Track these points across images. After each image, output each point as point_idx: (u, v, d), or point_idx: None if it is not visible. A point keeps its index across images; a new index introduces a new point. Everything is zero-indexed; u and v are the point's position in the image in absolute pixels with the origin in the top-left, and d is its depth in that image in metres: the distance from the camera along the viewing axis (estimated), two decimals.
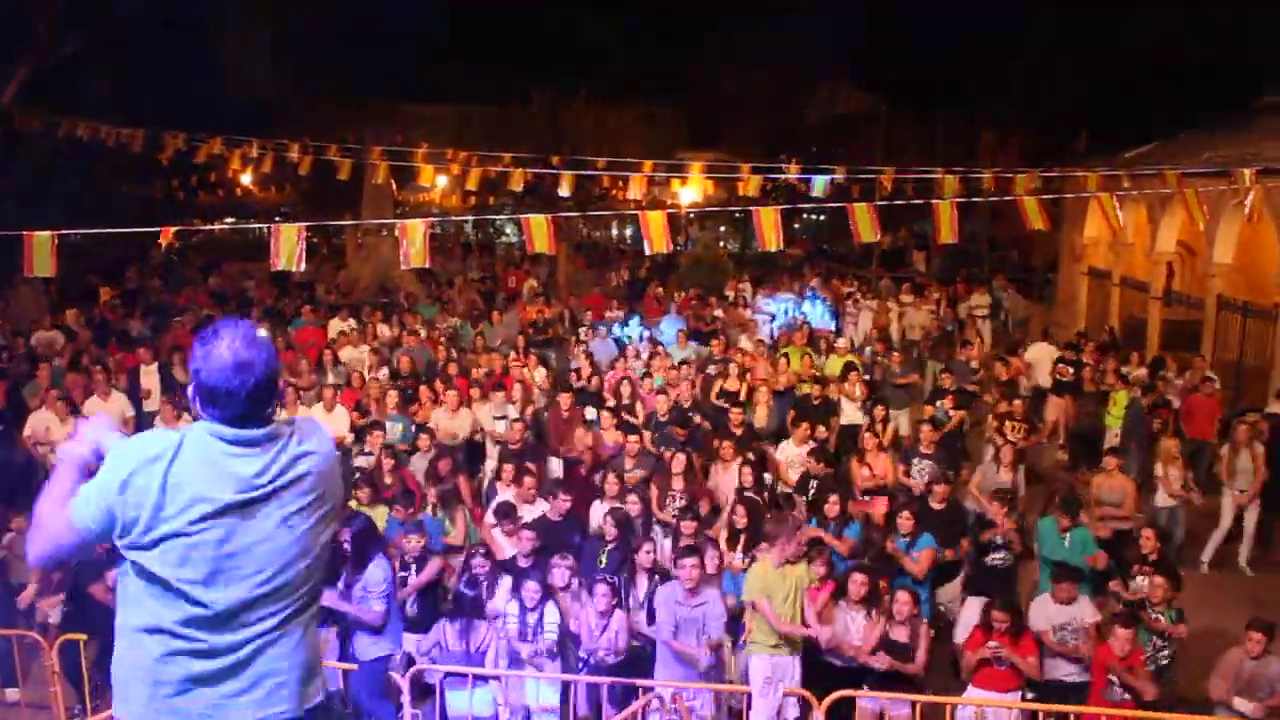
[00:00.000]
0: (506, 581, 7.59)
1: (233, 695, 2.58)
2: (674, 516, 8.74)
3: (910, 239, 37.45)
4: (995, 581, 8.28)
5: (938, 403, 12.31)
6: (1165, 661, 7.35)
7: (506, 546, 8.38)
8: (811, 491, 9.50)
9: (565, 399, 11.75)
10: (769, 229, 8.37)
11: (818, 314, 14.77)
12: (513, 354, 14.34)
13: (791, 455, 10.50)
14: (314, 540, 2.68)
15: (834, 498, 8.72)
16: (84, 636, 7.33)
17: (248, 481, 2.55)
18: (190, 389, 2.61)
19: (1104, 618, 7.50)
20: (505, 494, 9.21)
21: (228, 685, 2.58)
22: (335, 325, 16.75)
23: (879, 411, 11.70)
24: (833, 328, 14.68)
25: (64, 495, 2.55)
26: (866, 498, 9.76)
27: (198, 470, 2.51)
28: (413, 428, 11.05)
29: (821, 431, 11.04)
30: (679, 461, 9.45)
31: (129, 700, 2.59)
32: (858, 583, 7.22)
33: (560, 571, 7.51)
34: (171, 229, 7.55)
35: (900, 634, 7.04)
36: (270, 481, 2.58)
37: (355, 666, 7.05)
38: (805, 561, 7.33)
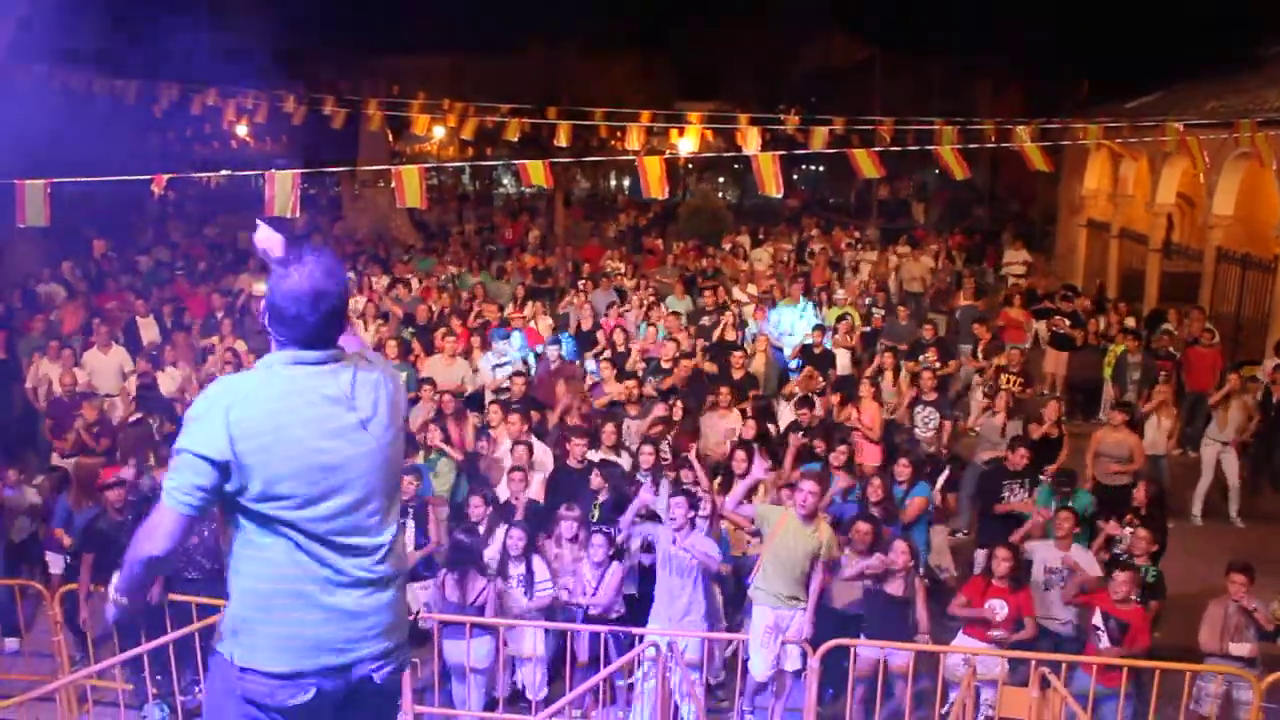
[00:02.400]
0: (500, 532, 7.55)
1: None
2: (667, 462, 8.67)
3: (910, 191, 37.25)
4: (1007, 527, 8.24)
5: (920, 357, 12.20)
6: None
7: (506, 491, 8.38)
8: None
9: (554, 351, 11.68)
10: (769, 176, 8.36)
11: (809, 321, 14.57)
12: (511, 306, 14.30)
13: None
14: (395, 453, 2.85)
15: (842, 447, 8.66)
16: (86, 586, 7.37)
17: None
18: (263, 307, 2.74)
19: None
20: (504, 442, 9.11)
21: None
22: None
23: (889, 359, 11.50)
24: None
25: None
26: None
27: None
28: (415, 378, 11.02)
29: (820, 381, 11.04)
30: (678, 410, 9.43)
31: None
32: (862, 532, 7.23)
33: (567, 523, 7.48)
34: (165, 176, 7.50)
35: (895, 588, 6.99)
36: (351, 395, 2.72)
37: None
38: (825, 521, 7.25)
